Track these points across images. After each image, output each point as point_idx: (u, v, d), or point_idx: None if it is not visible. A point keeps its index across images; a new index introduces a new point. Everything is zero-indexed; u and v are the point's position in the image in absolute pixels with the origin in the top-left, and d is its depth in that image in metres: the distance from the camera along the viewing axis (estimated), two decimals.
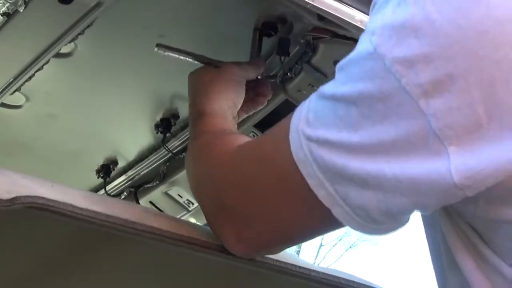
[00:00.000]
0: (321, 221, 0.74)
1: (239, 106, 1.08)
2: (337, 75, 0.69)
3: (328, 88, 0.70)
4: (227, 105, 1.06)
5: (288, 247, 0.85)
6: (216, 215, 0.85)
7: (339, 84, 0.68)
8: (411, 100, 0.61)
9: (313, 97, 0.73)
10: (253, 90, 1.13)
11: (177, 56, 1.11)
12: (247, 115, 1.15)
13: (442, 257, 0.75)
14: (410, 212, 0.68)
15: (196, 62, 1.11)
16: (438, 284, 0.80)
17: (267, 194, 0.77)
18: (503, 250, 0.66)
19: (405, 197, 0.65)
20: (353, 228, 0.71)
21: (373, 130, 0.64)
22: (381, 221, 0.69)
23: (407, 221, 0.71)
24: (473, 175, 0.60)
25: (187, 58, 1.12)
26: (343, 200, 0.69)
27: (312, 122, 0.70)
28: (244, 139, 0.91)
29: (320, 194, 0.70)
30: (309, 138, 0.70)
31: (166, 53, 1.10)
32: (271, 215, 0.78)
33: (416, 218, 0.81)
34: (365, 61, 0.64)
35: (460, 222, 0.69)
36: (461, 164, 0.60)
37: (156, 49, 1.10)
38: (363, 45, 0.65)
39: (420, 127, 0.61)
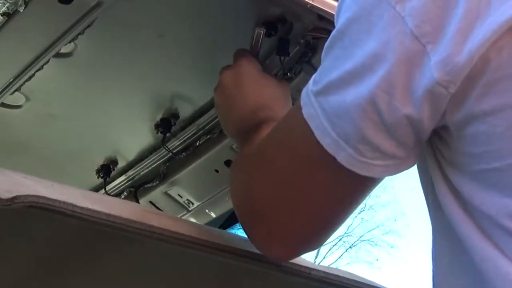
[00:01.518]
0: (336, 182, 0.74)
1: None
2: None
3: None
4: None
5: (323, 236, 0.81)
6: (245, 220, 0.84)
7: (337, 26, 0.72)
8: (389, 7, 0.65)
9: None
10: None
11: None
12: None
13: (429, 197, 0.76)
14: (409, 130, 0.68)
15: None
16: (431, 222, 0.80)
17: (286, 174, 0.77)
18: (476, 170, 0.67)
19: (397, 111, 0.66)
20: (361, 172, 0.71)
21: (362, 51, 0.67)
22: (386, 149, 0.69)
23: (413, 154, 0.71)
24: (451, 67, 0.62)
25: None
26: (345, 141, 0.69)
27: (318, 79, 0.73)
28: None
29: (326, 142, 0.71)
30: (317, 93, 0.72)
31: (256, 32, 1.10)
32: (295, 197, 0.77)
33: (414, 222, 0.80)
34: None
35: (443, 162, 0.71)
36: (439, 59, 0.63)
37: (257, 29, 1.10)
38: None
39: (399, 31, 0.64)
